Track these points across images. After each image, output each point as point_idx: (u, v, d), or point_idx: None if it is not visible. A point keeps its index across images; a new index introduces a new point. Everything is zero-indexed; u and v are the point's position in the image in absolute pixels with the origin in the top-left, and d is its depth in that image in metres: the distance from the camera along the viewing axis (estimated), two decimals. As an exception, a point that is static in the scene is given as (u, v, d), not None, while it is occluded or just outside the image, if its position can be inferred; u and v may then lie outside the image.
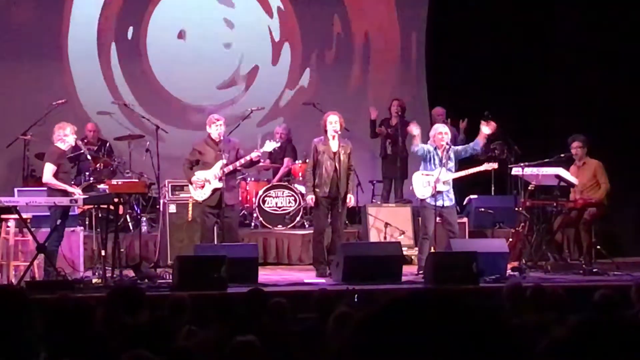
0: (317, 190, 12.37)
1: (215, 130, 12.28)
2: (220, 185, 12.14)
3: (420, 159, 12.66)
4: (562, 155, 13.32)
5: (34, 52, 15.66)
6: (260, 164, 14.01)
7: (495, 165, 13.18)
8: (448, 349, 1.34)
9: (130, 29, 16.13)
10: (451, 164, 12.49)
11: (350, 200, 12.57)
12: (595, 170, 13.25)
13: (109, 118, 15.32)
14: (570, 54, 16.21)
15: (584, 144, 13.27)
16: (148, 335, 6.55)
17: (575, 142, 13.28)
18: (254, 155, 12.33)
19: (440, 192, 12.29)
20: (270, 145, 12.68)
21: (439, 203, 12.30)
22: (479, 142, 12.61)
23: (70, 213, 11.79)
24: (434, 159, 12.43)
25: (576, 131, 13.60)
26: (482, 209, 14.44)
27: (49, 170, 11.61)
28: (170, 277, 11.42)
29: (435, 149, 12.47)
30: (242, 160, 12.31)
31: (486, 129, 12.62)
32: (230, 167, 12.22)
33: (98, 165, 13.83)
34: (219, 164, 12.17)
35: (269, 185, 14.55)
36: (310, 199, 12.44)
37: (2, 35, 15.61)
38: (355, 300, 8.35)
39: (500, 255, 11.95)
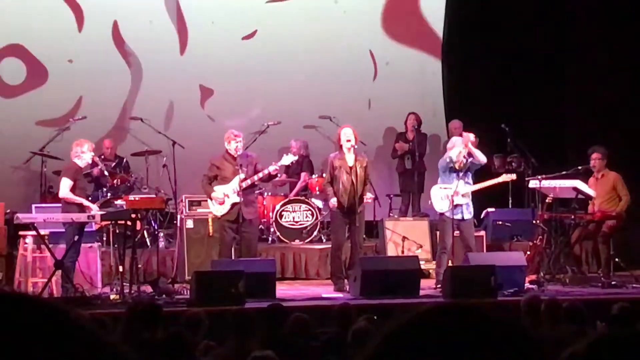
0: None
1: (235, 146, 12.27)
2: (239, 199, 12.12)
3: (437, 173, 12.67)
4: (580, 167, 13.27)
5: (53, 67, 15.71)
6: (277, 178, 14.01)
7: (513, 177, 13.16)
8: None
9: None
10: (469, 177, 12.45)
11: (367, 197, 12.52)
12: (614, 182, 13.18)
13: (126, 134, 15.35)
14: (588, 65, 16.18)
15: (603, 156, 13.19)
16: (166, 351, 6.55)
17: (594, 153, 13.21)
18: (271, 168, 12.28)
19: (459, 205, 12.27)
20: (287, 159, 12.68)
21: (458, 216, 12.28)
22: (478, 157, 12.46)
23: (87, 229, 11.81)
24: (452, 172, 12.40)
25: (593, 143, 13.55)
26: (500, 222, 14.40)
27: (66, 185, 11.63)
28: (188, 293, 11.43)
29: (455, 162, 12.44)
30: (260, 174, 12.27)
31: (462, 140, 12.53)
32: (249, 181, 12.19)
33: (115, 181, 13.85)
34: (237, 178, 12.15)
35: (286, 200, 14.54)
36: (334, 200, 12.32)
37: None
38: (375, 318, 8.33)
39: (518, 268, 11.92)
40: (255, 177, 12.26)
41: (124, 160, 14.72)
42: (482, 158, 12.45)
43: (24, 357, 1.23)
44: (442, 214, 12.43)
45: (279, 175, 13.23)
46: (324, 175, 12.93)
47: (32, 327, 1.26)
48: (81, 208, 11.62)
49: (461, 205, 12.31)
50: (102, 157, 14.13)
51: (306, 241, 14.32)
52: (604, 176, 13.24)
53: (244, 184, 12.11)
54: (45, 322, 1.28)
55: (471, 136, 12.59)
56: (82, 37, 15.73)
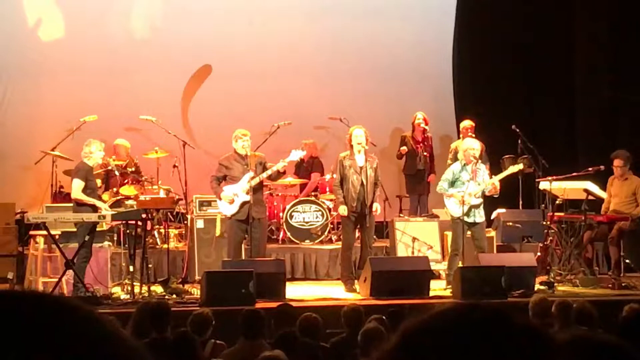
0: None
1: (242, 144, 12.24)
2: (248, 198, 12.10)
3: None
4: (590, 168, 13.26)
5: (63, 67, 15.76)
6: (288, 179, 13.98)
7: (520, 166, 13.08)
8: None
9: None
10: (480, 178, 12.38)
11: (377, 210, 12.48)
12: (636, 187, 13.17)
13: (137, 134, 15.36)
14: (599, 65, 16.16)
15: (626, 161, 13.18)
16: (173, 351, 6.56)
17: (616, 159, 13.20)
18: (280, 166, 12.21)
19: (472, 208, 12.23)
20: (296, 154, 12.54)
21: (471, 220, 12.26)
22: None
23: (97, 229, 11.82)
24: (462, 177, 12.36)
25: (603, 145, 13.55)
26: (510, 223, 14.38)
27: (78, 187, 11.62)
28: (198, 293, 11.44)
29: (464, 165, 12.42)
30: (269, 171, 12.22)
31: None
32: (258, 179, 12.16)
33: (126, 181, 13.86)
34: (247, 177, 12.13)
35: (296, 200, 14.53)
36: (343, 209, 12.35)
37: (31, 50, 15.73)
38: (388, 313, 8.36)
39: (528, 269, 11.90)
40: (264, 175, 12.20)
41: (135, 160, 14.68)
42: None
43: (50, 356, 1.24)
44: (455, 217, 12.40)
45: (286, 172, 13.08)
46: (334, 176, 12.89)
47: (55, 326, 1.26)
48: (94, 208, 11.63)
49: (474, 208, 12.27)
50: (114, 157, 14.13)
51: (316, 242, 14.31)
52: (628, 179, 13.24)
53: (253, 182, 12.09)
54: (69, 321, 1.28)
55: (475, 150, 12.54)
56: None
